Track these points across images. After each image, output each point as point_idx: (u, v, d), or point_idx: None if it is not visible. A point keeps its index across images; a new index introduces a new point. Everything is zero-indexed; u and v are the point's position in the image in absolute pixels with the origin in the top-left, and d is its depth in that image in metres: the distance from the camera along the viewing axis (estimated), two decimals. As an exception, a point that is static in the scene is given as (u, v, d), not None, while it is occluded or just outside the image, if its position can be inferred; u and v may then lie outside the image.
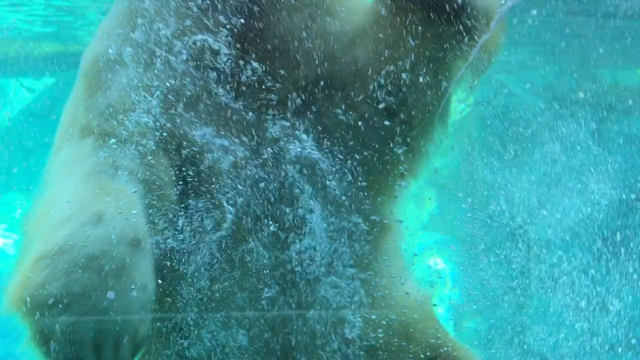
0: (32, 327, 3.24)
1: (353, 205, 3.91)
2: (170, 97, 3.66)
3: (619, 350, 16.18)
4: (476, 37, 3.88)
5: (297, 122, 3.70)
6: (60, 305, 3.16)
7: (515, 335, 16.52)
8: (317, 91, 3.74)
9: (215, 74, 3.65)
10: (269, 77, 3.68)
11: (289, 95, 3.70)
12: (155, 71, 3.67)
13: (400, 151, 3.99)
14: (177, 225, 3.58)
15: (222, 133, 3.64)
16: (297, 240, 3.75)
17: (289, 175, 3.66)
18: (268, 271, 3.77)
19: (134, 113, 3.61)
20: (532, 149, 16.66)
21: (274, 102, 3.70)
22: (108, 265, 3.22)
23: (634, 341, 16.13)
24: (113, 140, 3.60)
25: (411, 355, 4.20)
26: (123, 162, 3.55)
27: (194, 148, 3.63)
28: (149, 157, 3.58)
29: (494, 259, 17.31)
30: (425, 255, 18.82)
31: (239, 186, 3.62)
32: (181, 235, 3.60)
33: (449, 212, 18.60)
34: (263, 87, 3.68)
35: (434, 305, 4.48)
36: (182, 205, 3.62)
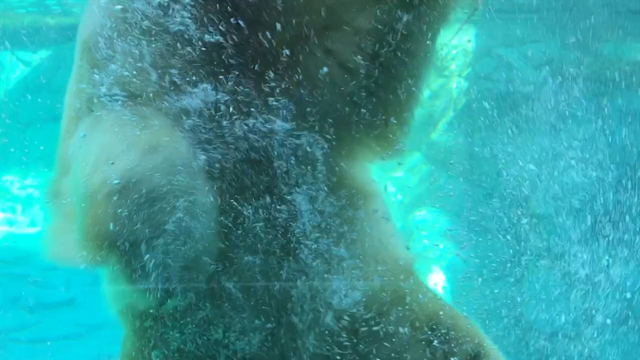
0: (117, 264, 3.38)
1: (332, 170, 3.94)
2: (167, 58, 3.67)
3: (616, 324, 16.30)
4: None
5: (272, 83, 3.69)
6: (140, 237, 3.29)
7: (512, 310, 16.60)
8: (295, 45, 3.71)
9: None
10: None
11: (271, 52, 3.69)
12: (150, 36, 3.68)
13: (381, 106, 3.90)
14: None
15: (218, 88, 3.64)
16: (278, 207, 3.79)
17: (270, 145, 3.67)
18: (252, 240, 3.81)
19: (139, 79, 3.63)
20: (533, 123, 16.66)
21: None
22: (175, 191, 3.33)
23: (632, 315, 16.26)
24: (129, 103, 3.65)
25: (410, 327, 4.24)
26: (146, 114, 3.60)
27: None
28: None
29: (492, 234, 17.37)
30: (422, 230, 18.88)
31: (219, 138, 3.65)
32: None
33: (447, 187, 18.63)
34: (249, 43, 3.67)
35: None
36: None
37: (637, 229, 15.14)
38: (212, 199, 3.48)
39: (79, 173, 3.55)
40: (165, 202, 3.31)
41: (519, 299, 16.91)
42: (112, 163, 3.37)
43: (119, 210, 3.28)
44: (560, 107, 16.52)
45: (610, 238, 15.39)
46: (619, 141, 16.57)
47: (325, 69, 3.62)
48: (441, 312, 4.35)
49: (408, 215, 18.84)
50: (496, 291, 16.78)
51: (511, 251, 17.27)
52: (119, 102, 3.63)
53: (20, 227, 21.75)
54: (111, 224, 3.29)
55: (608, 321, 15.94)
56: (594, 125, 16.54)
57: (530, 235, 16.96)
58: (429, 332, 4.28)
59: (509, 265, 17.35)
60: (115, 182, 3.30)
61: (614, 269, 15.45)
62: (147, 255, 3.32)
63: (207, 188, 3.47)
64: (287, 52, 3.63)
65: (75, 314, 19.46)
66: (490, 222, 17.32)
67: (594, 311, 15.71)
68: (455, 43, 19.05)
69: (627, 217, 15.28)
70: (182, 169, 3.38)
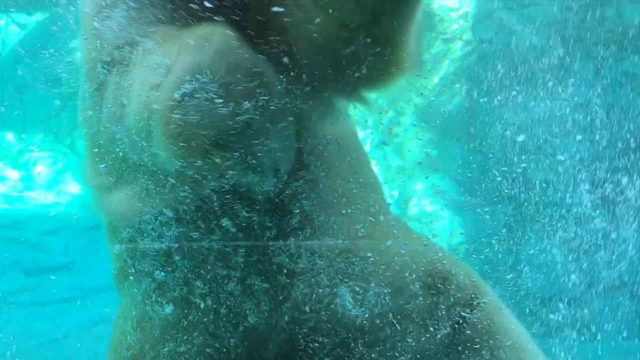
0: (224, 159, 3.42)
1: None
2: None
3: (608, 290, 16.41)
4: None
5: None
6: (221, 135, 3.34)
7: (509, 274, 16.68)
8: None
9: None
10: None
11: None
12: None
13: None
14: None
15: None
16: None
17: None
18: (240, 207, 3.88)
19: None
20: (535, 88, 16.63)
21: None
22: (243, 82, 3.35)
23: (625, 282, 16.36)
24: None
25: (411, 275, 4.32)
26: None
27: None
28: None
29: (491, 200, 17.42)
30: (421, 196, 18.91)
31: None
32: None
33: (447, 154, 18.63)
34: None
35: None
36: None
37: (634, 196, 15.18)
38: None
39: (130, 107, 3.60)
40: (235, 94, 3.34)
41: (513, 264, 17.01)
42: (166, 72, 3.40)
43: (201, 106, 3.32)
44: (562, 70, 16.51)
45: (608, 204, 15.45)
46: (620, 104, 16.58)
47: (317, 20, 3.59)
48: (438, 258, 4.44)
49: (408, 181, 18.86)
50: (490, 257, 16.88)
51: (509, 216, 17.34)
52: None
53: (18, 191, 21.77)
54: (202, 120, 3.33)
55: (606, 287, 16.06)
56: (597, 88, 16.54)
57: (529, 199, 17.01)
58: (428, 279, 4.38)
59: (504, 230, 17.42)
60: (183, 85, 3.33)
61: (614, 234, 15.52)
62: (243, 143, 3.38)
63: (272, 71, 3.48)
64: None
65: (74, 278, 19.52)
66: (489, 188, 17.36)
67: (592, 276, 15.81)
68: (456, 6, 19.02)
69: (630, 185, 15.32)
70: (240, 50, 3.40)
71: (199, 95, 3.29)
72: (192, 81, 3.30)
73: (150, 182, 3.82)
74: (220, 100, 3.29)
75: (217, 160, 3.40)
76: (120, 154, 3.85)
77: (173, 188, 3.74)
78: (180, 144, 3.37)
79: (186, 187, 3.69)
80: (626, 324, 16.71)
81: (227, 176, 3.48)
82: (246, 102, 3.32)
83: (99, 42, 3.90)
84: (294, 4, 3.60)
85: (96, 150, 4.05)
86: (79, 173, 21.16)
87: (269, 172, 3.53)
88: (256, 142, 3.40)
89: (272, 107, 3.39)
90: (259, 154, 3.42)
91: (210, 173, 3.48)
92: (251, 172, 3.47)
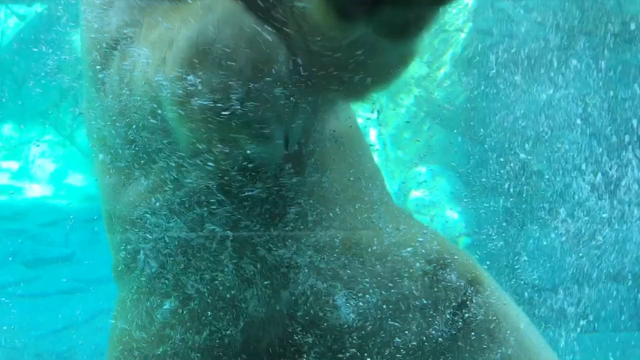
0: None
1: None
2: None
3: (607, 280, 16.42)
4: None
5: None
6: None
7: (507, 266, 16.71)
8: None
9: None
10: None
11: None
12: None
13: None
14: None
15: None
16: None
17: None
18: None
19: None
20: (535, 79, 16.62)
21: None
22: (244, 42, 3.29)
23: (625, 272, 16.38)
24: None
25: (408, 268, 4.34)
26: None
27: None
28: None
29: (491, 191, 17.43)
30: (420, 187, 18.91)
31: None
32: None
33: (447, 144, 18.63)
34: None
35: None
36: None
37: (633, 189, 15.19)
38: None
39: (136, 84, 3.59)
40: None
41: (511, 255, 17.03)
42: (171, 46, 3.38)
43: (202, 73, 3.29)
44: (562, 62, 16.49)
45: (607, 196, 15.45)
46: (619, 96, 16.57)
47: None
48: (438, 245, 4.46)
49: (407, 171, 18.86)
50: (487, 248, 16.90)
51: (509, 208, 17.35)
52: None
53: (18, 182, 21.77)
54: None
55: (599, 277, 16.08)
56: (595, 80, 16.52)
57: (528, 192, 17.02)
58: (428, 267, 4.39)
59: (504, 224, 17.43)
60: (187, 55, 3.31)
61: (609, 226, 15.53)
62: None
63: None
64: None
65: (74, 269, 19.55)
66: (488, 180, 17.36)
67: (588, 267, 15.82)
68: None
69: (626, 177, 15.32)
70: (245, 18, 3.34)
71: (205, 66, 3.26)
72: (195, 50, 3.27)
73: (160, 169, 3.83)
74: (226, 70, 3.25)
75: (230, 127, 3.35)
76: (129, 140, 3.84)
77: (184, 172, 3.74)
78: (190, 115, 3.34)
79: (197, 169, 3.70)
80: (627, 315, 16.74)
81: (240, 146, 3.43)
82: (251, 71, 3.26)
83: (102, 24, 3.89)
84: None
85: (101, 140, 4.06)
86: (79, 164, 21.20)
87: (278, 139, 3.48)
88: (263, 109, 3.34)
89: (278, 77, 3.34)
90: (267, 122, 3.38)
91: (224, 144, 3.43)
92: (260, 139, 3.42)
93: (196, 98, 3.27)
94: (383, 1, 2.90)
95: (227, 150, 3.44)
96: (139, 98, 3.62)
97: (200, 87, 3.26)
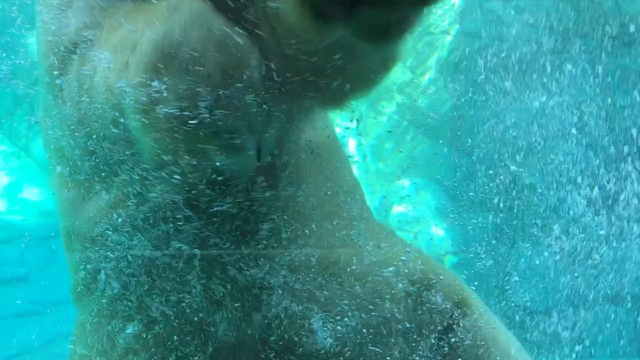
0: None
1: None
2: None
3: (604, 302, 16.49)
4: None
5: None
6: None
7: (496, 287, 16.75)
8: None
9: None
10: None
11: None
12: None
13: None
14: None
15: None
16: None
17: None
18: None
19: None
20: (527, 86, 16.69)
21: None
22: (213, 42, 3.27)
23: (624, 293, 16.45)
24: None
25: (390, 289, 4.35)
26: None
27: None
28: None
29: (479, 207, 17.47)
30: (403, 201, 18.93)
31: None
32: None
33: (431, 156, 18.65)
34: None
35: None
36: None
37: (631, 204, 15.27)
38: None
39: (97, 91, 3.57)
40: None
41: (501, 275, 17.07)
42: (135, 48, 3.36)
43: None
44: (556, 67, 16.57)
45: (603, 211, 15.53)
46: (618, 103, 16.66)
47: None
48: (422, 265, 4.48)
49: (389, 185, 18.89)
50: (480, 266, 16.94)
51: (498, 225, 17.40)
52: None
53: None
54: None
55: (596, 299, 16.15)
56: (591, 86, 16.61)
57: (519, 207, 17.07)
58: (411, 288, 4.40)
59: (493, 242, 17.48)
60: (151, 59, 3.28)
61: (606, 244, 15.61)
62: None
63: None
64: None
65: (29, 290, 19.46)
66: (476, 194, 17.40)
67: (584, 288, 15.89)
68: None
69: (625, 188, 15.41)
70: (213, 20, 3.32)
71: (171, 71, 3.23)
72: (160, 53, 3.24)
73: (123, 182, 3.81)
74: (193, 76, 3.22)
75: (198, 137, 3.32)
76: (89, 151, 3.82)
77: (149, 186, 3.73)
78: (155, 124, 3.31)
79: (163, 183, 3.68)
80: (626, 339, 16.80)
81: (209, 157, 3.40)
82: (221, 76, 3.24)
83: (59, 26, 3.87)
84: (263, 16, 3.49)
85: (59, 151, 4.04)
86: (35, 177, 21.08)
87: (250, 149, 3.46)
88: (233, 118, 3.32)
89: (250, 83, 3.32)
90: (238, 132, 3.35)
91: (191, 155, 3.40)
92: (231, 150, 3.39)
93: (161, 106, 3.25)
94: (362, 1, 2.91)
95: (195, 162, 3.42)
96: (99, 106, 3.58)
97: (165, 94, 3.23)
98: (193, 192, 3.72)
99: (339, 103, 3.82)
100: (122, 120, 3.47)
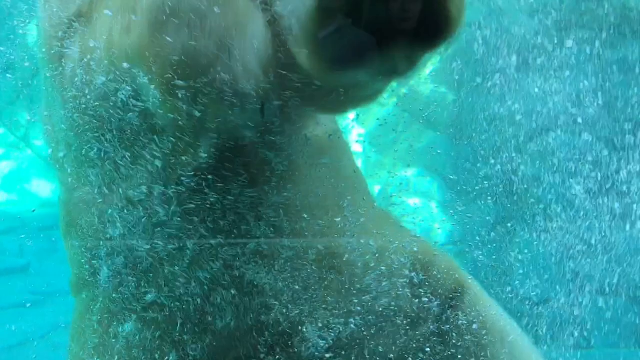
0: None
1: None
2: None
3: (607, 294, 16.48)
4: None
5: None
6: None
7: (500, 277, 16.74)
8: None
9: None
10: None
11: None
12: None
13: None
14: None
15: None
16: None
17: None
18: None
19: None
20: (528, 75, 16.66)
21: None
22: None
23: (624, 282, 16.44)
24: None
25: (395, 269, 4.36)
26: None
27: None
28: None
29: (479, 198, 17.45)
30: (404, 192, 18.90)
31: None
32: None
33: (431, 146, 18.62)
34: None
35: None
36: None
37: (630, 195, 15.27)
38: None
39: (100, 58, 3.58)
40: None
41: (504, 267, 17.06)
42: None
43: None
44: (555, 57, 16.53)
45: (604, 202, 15.52)
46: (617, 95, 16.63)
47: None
48: (420, 249, 4.49)
49: (388, 175, 18.86)
50: (481, 257, 16.92)
51: (498, 216, 17.39)
52: None
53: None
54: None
55: (599, 290, 16.15)
56: (591, 77, 16.58)
57: (519, 197, 17.05)
58: (409, 273, 4.41)
59: (493, 233, 17.47)
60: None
61: (607, 236, 15.60)
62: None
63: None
64: None
65: (29, 281, 19.44)
66: (476, 183, 17.38)
67: (584, 279, 15.88)
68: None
69: (624, 178, 15.39)
70: None
71: (174, 29, 3.23)
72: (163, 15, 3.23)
73: (125, 163, 3.81)
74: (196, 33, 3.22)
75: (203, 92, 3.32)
76: (88, 132, 3.82)
77: (150, 170, 3.73)
78: (160, 79, 3.29)
79: (171, 155, 3.68)
80: (625, 328, 16.80)
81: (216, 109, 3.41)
82: (224, 35, 3.25)
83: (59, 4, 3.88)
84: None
85: (61, 137, 4.04)
86: (35, 167, 21.07)
87: (253, 103, 3.43)
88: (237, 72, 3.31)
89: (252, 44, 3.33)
90: (242, 84, 3.33)
91: (198, 109, 3.39)
92: (236, 103, 3.37)
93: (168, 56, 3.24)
94: (375, 49, 2.95)
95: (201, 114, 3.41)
96: (103, 78, 3.58)
97: (170, 48, 3.23)
98: (197, 178, 3.74)
99: (337, 113, 3.86)
100: (127, 88, 3.47)
